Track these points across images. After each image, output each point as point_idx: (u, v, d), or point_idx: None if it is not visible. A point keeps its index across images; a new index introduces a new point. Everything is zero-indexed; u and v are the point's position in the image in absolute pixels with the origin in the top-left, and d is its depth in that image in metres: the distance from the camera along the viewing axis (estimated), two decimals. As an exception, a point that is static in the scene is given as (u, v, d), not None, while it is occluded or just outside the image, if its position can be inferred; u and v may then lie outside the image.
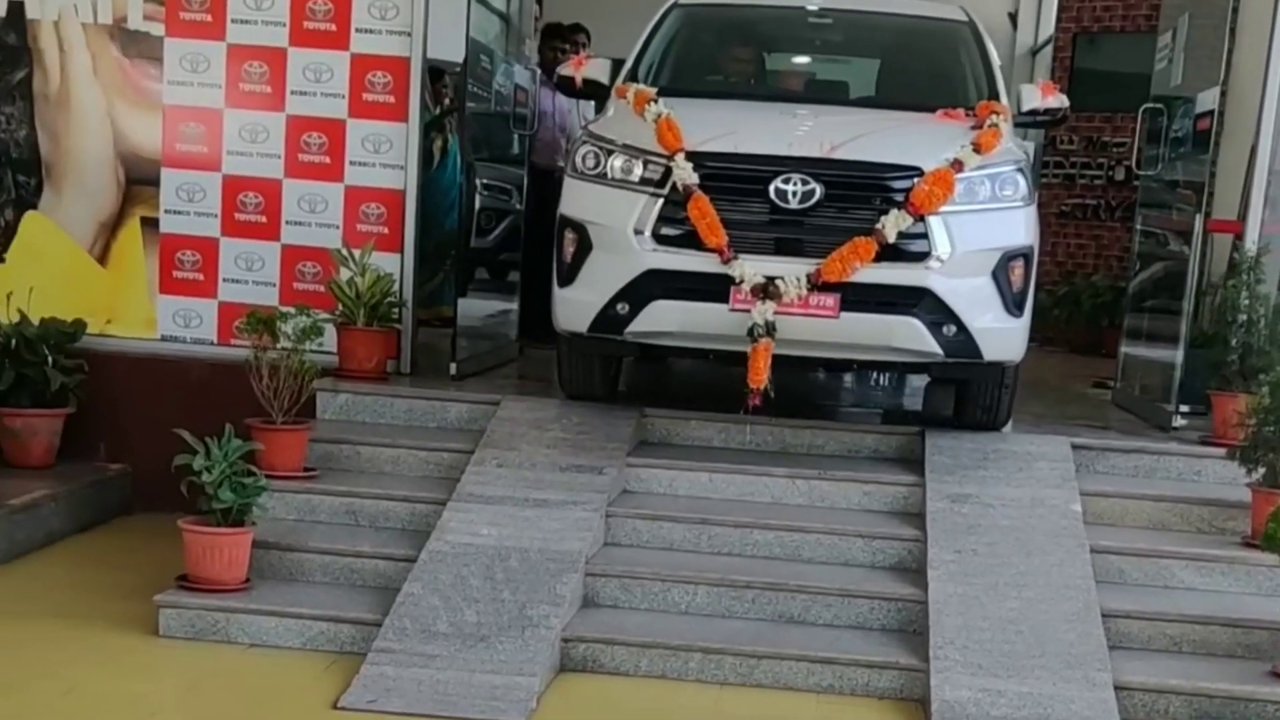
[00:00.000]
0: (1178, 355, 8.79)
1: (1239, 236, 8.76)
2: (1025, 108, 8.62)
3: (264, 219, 9.19)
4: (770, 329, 7.50)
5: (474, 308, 9.57)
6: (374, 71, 9.06)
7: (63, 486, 8.67)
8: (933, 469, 7.88)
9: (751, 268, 7.51)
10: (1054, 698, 6.35)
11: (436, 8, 9.11)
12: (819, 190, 7.58)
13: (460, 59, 9.53)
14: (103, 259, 9.35)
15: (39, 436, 8.90)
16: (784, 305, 7.49)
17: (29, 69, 9.26)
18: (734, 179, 7.65)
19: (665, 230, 7.67)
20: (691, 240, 7.58)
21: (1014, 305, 7.84)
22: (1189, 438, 8.47)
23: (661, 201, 7.68)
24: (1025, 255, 7.90)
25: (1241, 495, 7.66)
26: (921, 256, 7.59)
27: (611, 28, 9.36)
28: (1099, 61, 14.34)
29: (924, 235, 7.58)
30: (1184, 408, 8.77)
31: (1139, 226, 10.12)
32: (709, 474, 7.87)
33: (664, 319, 7.73)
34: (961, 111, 8.28)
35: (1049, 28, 15.23)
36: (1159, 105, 9.70)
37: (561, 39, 11.94)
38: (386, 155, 9.10)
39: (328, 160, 9.14)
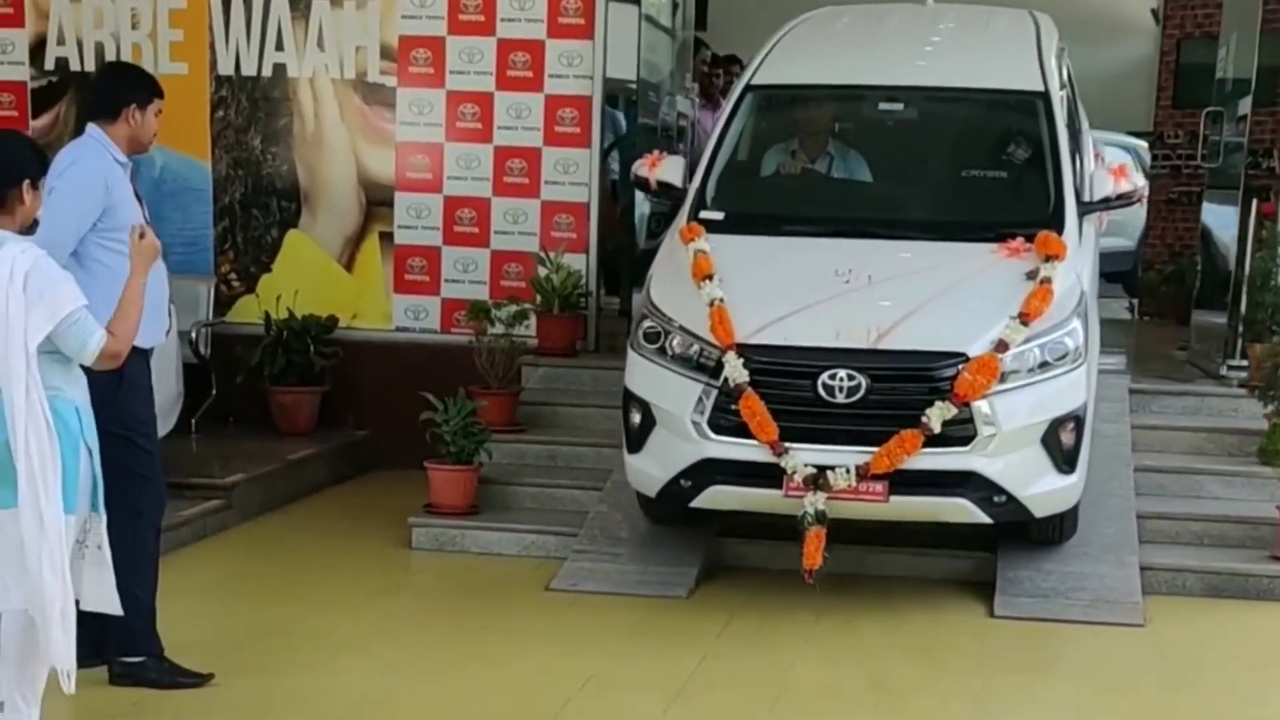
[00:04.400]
0: (1226, 317, 10.66)
1: (1271, 217, 10.56)
2: (1098, 195, 8.72)
3: (477, 230, 11.21)
4: (821, 518, 7.64)
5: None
6: (563, 109, 11.07)
7: (322, 448, 10.88)
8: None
9: (802, 458, 7.65)
10: (1090, 574, 8.31)
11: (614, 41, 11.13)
12: (865, 383, 7.65)
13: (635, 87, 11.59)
14: (349, 266, 11.42)
15: (303, 409, 11.06)
16: (835, 493, 7.64)
17: (289, 116, 11.38)
18: (783, 373, 7.79)
19: (721, 420, 7.82)
20: (745, 430, 7.73)
21: (1065, 464, 7.93)
22: (1231, 382, 10.31)
23: (716, 393, 7.81)
24: (1076, 418, 7.94)
25: (1264, 425, 9.49)
26: (966, 440, 7.67)
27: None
28: (1202, 61, 15.88)
29: (969, 420, 7.66)
30: (1244, 361, 10.56)
31: (1206, 212, 11.92)
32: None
33: (723, 499, 8.04)
34: (1020, 242, 8.18)
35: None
36: (1219, 109, 11.50)
37: (719, 67, 13.98)
38: (574, 175, 11.08)
39: (527, 181, 11.13)
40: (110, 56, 11.34)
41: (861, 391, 7.66)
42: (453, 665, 7.26)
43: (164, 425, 9.21)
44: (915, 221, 8.74)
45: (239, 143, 11.46)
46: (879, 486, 7.65)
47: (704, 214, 8.70)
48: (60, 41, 11.50)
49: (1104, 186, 8.72)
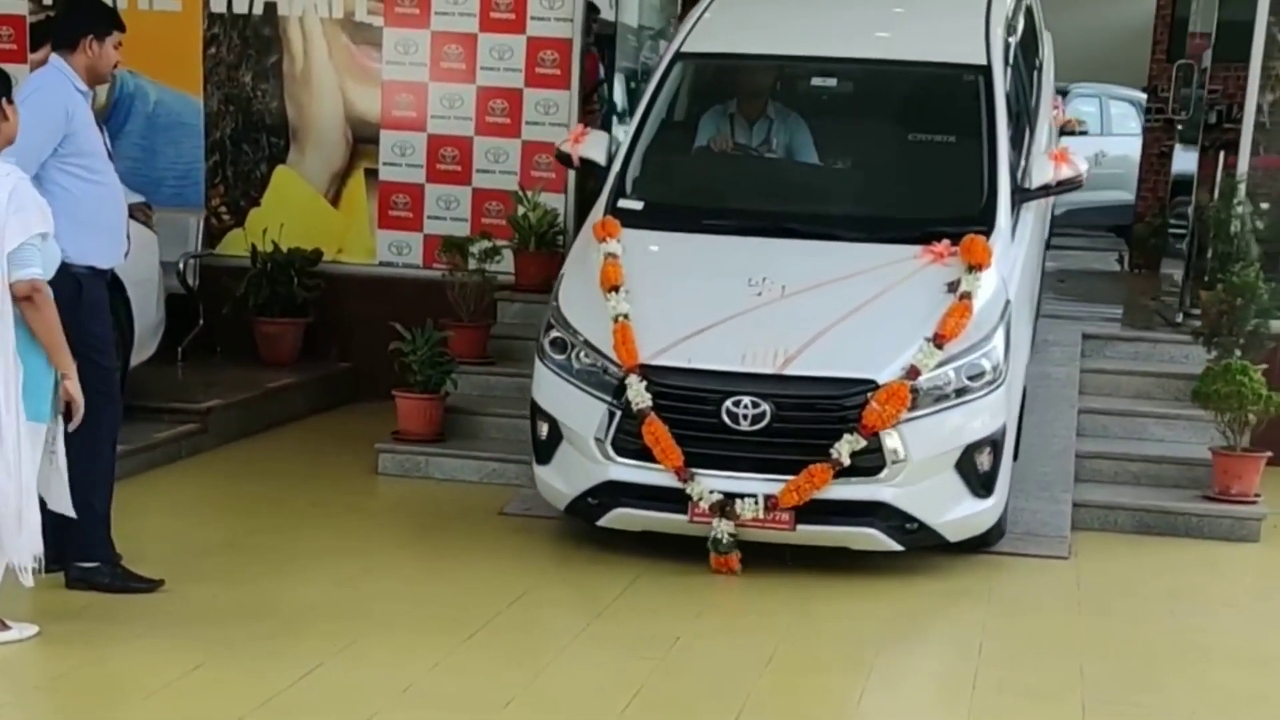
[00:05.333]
0: (1183, 267, 10.91)
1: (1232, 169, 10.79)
2: (1036, 184, 8.42)
3: (459, 168, 11.49)
4: (731, 546, 7.56)
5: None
6: (544, 50, 11.33)
7: (303, 378, 11.20)
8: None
9: (708, 484, 7.51)
10: (1023, 510, 8.57)
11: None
12: (770, 411, 7.44)
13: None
14: (335, 202, 11.71)
15: (286, 340, 11.37)
16: (741, 521, 7.52)
17: (279, 54, 11.66)
18: (686, 398, 7.59)
19: (625, 442, 7.65)
20: (651, 454, 7.57)
21: (981, 488, 7.71)
22: (1186, 330, 10.54)
23: (620, 415, 7.65)
24: (993, 442, 7.68)
25: (1210, 371, 9.76)
26: (875, 470, 7.47)
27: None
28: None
29: (877, 449, 7.42)
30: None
31: (1177, 162, 12.15)
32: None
33: (629, 521, 7.83)
34: (945, 245, 7.90)
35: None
36: (1190, 62, 11.71)
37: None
38: (554, 116, 11.33)
39: (508, 121, 11.41)
40: (105, -8, 11.64)
41: (766, 419, 7.46)
42: (398, 580, 7.61)
43: (144, 351, 9.61)
44: (839, 217, 8.48)
45: (230, 79, 11.74)
46: (785, 516, 7.50)
47: (622, 202, 8.57)
48: (58, -23, 11.82)
49: (1044, 173, 8.41)
